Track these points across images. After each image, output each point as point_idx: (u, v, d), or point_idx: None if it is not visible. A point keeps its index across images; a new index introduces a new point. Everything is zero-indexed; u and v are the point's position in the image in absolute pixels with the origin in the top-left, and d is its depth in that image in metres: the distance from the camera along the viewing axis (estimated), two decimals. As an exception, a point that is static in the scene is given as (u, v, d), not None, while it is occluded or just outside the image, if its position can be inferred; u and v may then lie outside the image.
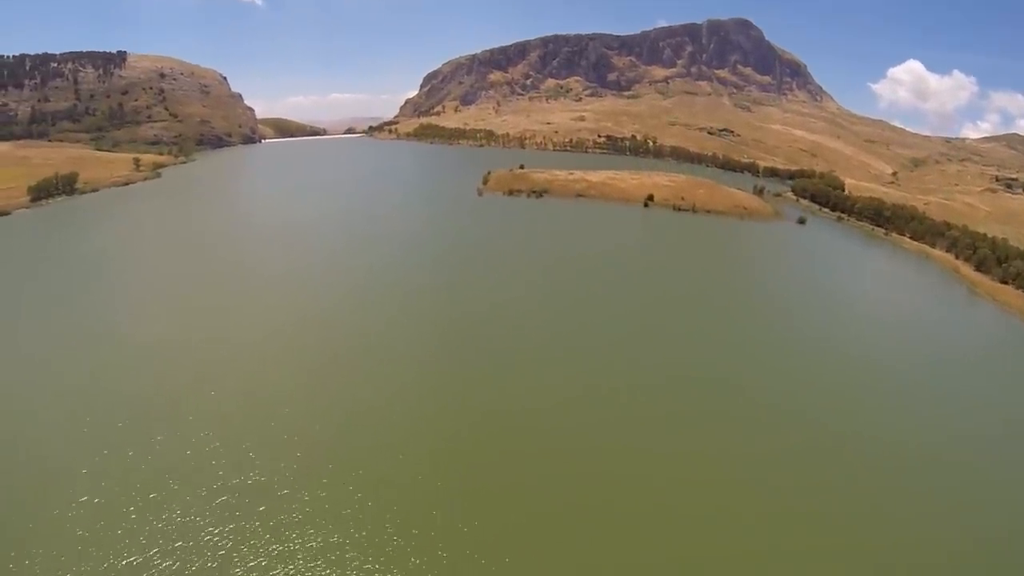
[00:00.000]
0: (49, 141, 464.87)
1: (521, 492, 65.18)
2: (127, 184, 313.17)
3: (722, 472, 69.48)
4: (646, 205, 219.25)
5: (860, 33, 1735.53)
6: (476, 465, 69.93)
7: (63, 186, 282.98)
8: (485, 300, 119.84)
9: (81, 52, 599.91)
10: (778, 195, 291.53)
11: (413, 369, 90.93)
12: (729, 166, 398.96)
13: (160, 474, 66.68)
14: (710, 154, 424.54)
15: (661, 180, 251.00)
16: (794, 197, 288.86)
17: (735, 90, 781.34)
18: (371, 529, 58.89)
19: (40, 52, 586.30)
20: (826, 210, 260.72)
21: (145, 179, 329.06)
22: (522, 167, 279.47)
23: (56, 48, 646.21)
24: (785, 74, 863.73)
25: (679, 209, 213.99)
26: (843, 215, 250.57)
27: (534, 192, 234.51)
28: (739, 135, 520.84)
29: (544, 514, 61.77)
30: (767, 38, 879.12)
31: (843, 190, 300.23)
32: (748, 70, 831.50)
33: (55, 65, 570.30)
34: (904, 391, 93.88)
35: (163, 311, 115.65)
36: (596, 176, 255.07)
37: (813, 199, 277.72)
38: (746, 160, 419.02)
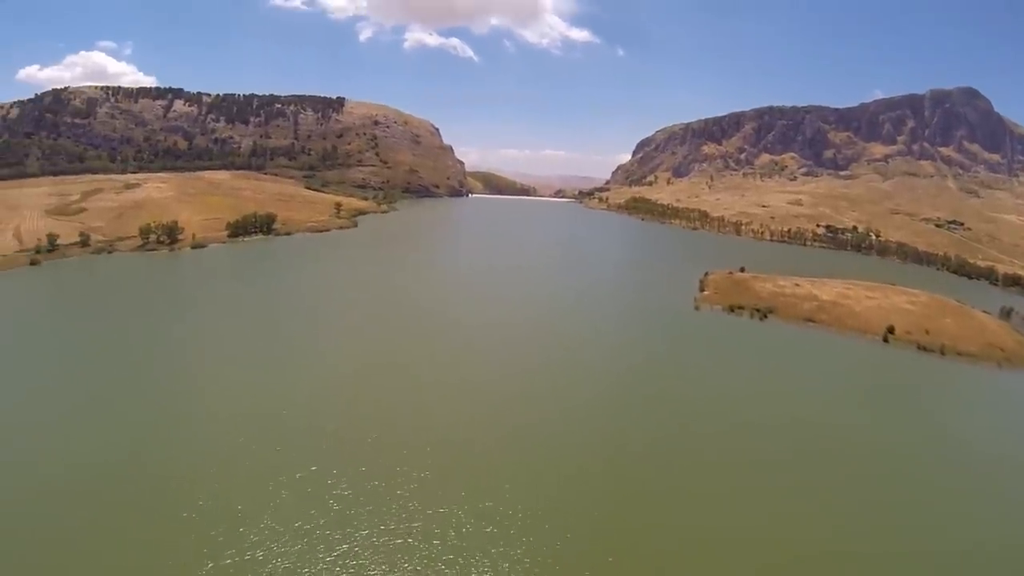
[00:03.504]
0: (265, 174, 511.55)
1: None
2: (322, 231, 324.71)
3: None
4: (886, 340, 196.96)
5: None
6: None
7: (261, 225, 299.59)
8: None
9: (303, 95, 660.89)
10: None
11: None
12: (963, 270, 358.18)
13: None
14: (940, 254, 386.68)
15: (900, 301, 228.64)
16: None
17: (960, 170, 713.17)
18: None
19: (267, 93, 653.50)
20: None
21: (340, 227, 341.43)
22: (743, 270, 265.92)
23: (282, 90, 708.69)
24: (1016, 151, 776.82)
25: (924, 348, 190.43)
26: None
27: (758, 311, 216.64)
28: (970, 228, 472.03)
29: None
30: (996, 110, 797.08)
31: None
32: (975, 147, 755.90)
33: (279, 106, 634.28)
34: None
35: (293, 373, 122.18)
36: (827, 292, 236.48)
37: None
38: (983, 263, 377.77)
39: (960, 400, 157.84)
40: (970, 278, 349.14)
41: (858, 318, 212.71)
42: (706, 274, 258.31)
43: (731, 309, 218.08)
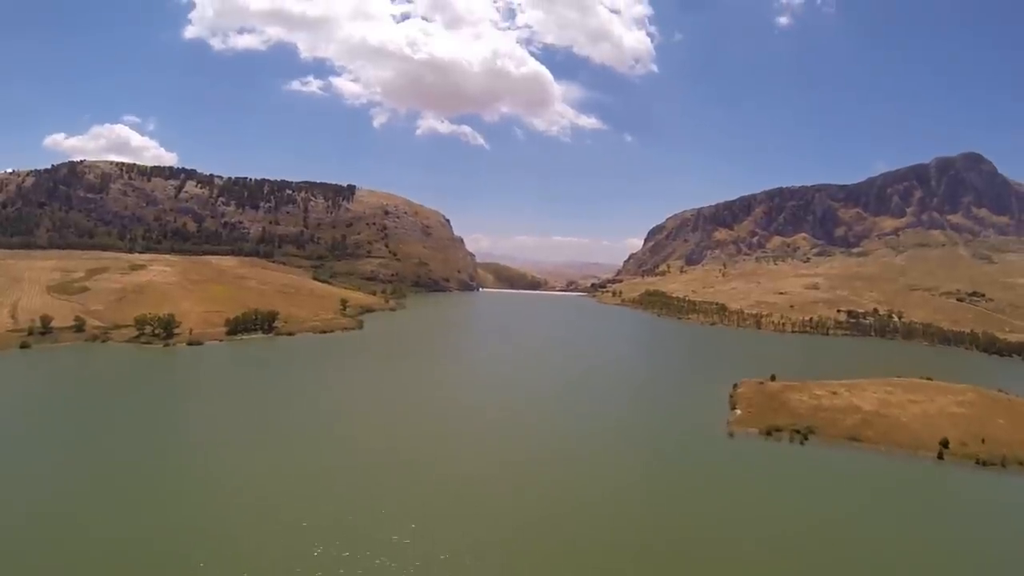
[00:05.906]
0: (272, 261, 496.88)
1: None
2: (324, 332, 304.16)
3: None
4: (940, 456, 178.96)
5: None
6: None
7: (261, 323, 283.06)
8: None
9: (314, 182, 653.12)
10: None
11: None
12: (993, 348, 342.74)
13: None
14: (967, 331, 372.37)
15: (947, 403, 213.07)
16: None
17: (971, 236, 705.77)
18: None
19: (278, 178, 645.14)
20: None
21: (344, 328, 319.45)
22: (773, 378, 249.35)
23: (294, 175, 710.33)
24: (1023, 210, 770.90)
25: (983, 463, 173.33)
26: None
27: (797, 432, 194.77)
28: (991, 299, 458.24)
29: None
30: (1000, 171, 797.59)
31: None
32: (983, 211, 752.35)
33: (289, 192, 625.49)
34: None
35: None
36: (867, 399, 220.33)
37: None
38: (1012, 336, 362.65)
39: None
40: (1001, 355, 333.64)
41: (907, 431, 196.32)
42: (735, 386, 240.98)
43: (768, 432, 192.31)
